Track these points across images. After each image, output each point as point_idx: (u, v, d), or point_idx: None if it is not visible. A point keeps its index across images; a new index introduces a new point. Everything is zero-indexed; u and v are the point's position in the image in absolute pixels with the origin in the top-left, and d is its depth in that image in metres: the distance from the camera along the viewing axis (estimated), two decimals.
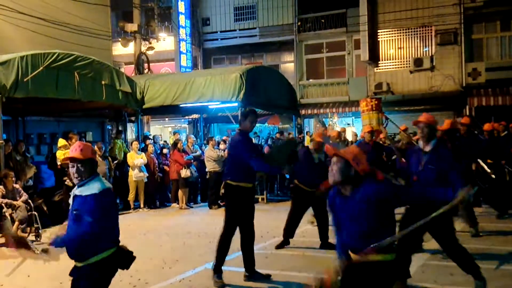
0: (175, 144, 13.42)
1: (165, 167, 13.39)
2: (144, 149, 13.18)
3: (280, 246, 7.73)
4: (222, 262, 5.92)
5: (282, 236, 7.85)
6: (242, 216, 5.96)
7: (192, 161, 13.14)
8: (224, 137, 15.62)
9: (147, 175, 12.72)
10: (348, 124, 22.23)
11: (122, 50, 19.94)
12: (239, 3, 23.22)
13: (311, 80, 22.63)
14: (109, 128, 17.67)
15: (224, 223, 5.99)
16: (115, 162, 12.83)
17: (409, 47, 20.26)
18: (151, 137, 15.41)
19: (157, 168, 13.24)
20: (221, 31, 23.40)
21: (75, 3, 16.19)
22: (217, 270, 5.90)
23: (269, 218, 10.07)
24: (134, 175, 12.52)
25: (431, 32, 19.78)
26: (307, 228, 9.19)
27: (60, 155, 10.49)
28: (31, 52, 10.28)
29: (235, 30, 23.09)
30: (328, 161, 7.61)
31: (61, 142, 11.07)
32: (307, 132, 20.43)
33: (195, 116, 20.43)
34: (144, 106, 13.85)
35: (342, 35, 21.58)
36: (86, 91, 11.40)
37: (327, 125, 21.63)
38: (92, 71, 11.52)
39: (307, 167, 7.60)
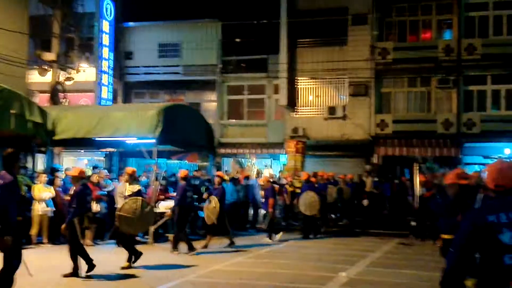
0: (88, 177, 13.09)
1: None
2: (51, 182, 12.73)
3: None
4: None
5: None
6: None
7: (103, 196, 12.86)
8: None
9: (54, 209, 12.27)
10: (266, 165, 22.73)
11: (41, 78, 19.35)
12: (164, 40, 23.46)
13: (231, 120, 23.05)
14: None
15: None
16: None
17: (324, 96, 21.32)
18: (63, 169, 14.90)
19: (64, 202, 12.79)
20: (144, 66, 23.38)
21: None
22: None
23: (178, 259, 10.03)
24: (41, 209, 12.01)
25: (344, 84, 20.96)
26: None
27: None
28: None
29: (158, 66, 23.18)
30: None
31: None
32: (225, 171, 20.63)
33: (111, 149, 20.03)
34: (54, 138, 13.44)
35: (263, 79, 22.33)
36: None
37: (245, 166, 22.02)
38: (1, 99, 11.14)
39: None
